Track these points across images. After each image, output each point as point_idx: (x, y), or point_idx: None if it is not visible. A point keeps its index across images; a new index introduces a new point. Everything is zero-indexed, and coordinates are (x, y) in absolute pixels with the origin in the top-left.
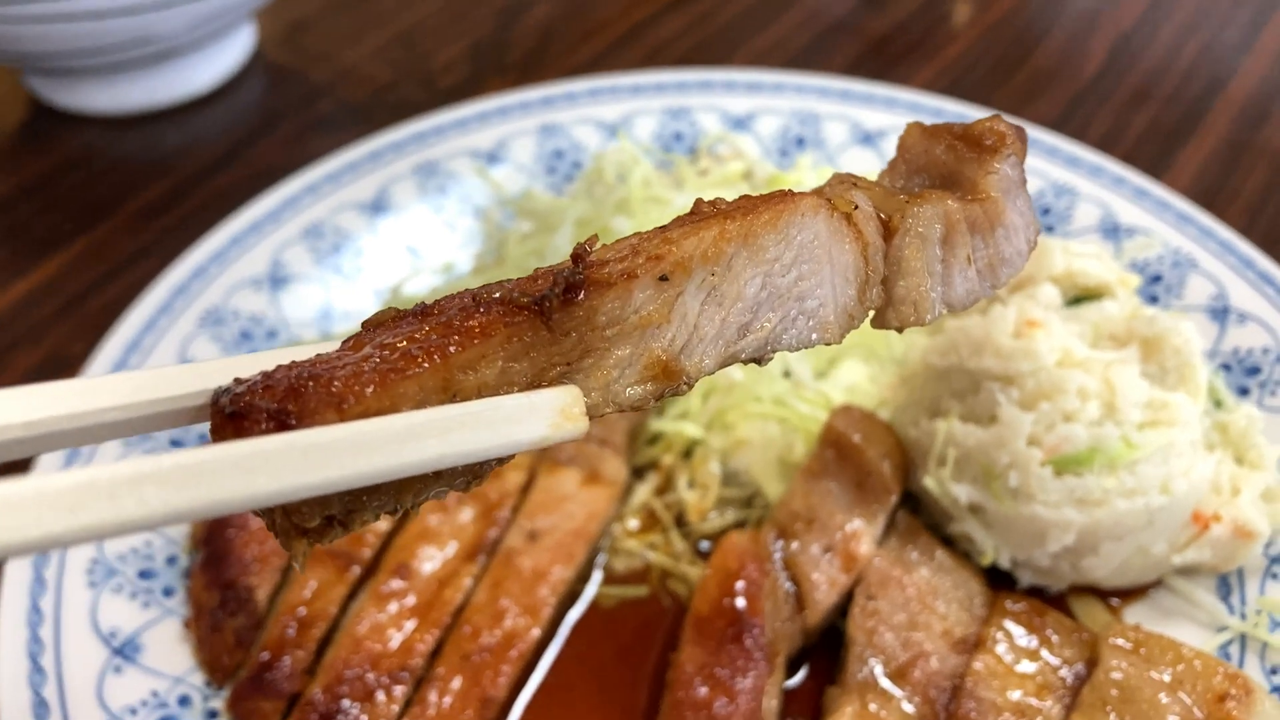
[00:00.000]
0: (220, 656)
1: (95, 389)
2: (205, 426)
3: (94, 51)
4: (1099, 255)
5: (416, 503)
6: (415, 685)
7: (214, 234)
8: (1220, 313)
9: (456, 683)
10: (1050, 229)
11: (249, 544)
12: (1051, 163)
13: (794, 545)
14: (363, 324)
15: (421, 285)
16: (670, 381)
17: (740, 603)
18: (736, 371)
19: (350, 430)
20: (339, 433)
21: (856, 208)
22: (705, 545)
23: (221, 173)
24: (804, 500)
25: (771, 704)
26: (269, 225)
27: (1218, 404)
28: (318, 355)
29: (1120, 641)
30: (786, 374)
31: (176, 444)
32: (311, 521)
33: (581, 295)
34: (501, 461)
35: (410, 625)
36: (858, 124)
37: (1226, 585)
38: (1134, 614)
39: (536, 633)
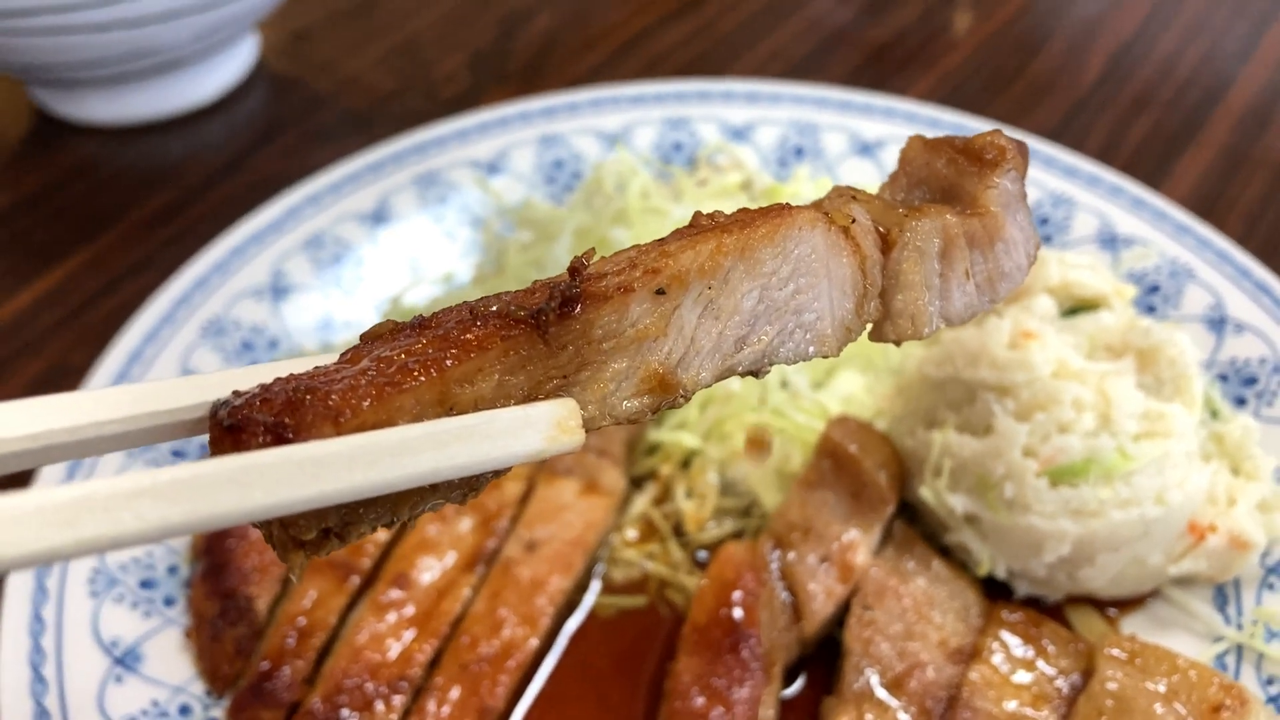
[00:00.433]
0: (220, 666)
1: (95, 402)
2: (205, 436)
3: (97, 63)
4: (1094, 266)
5: (413, 515)
6: (414, 695)
7: (216, 244)
8: (1217, 323)
9: (455, 692)
10: (1048, 239)
11: (249, 554)
12: (1049, 173)
13: (791, 555)
14: (360, 337)
15: (421, 295)
16: (667, 394)
17: (737, 613)
18: (734, 382)
19: (347, 444)
20: (335, 446)
21: (854, 221)
22: (703, 555)
23: (224, 183)
24: (801, 510)
25: (768, 714)
26: (270, 235)
27: (1214, 414)
28: (315, 368)
29: (1116, 652)
30: (784, 384)
31: (178, 454)
32: (308, 534)
33: (578, 309)
34: (498, 474)
35: (409, 635)
36: (856, 134)
37: (1223, 596)
38: (1131, 624)
39: (535, 642)
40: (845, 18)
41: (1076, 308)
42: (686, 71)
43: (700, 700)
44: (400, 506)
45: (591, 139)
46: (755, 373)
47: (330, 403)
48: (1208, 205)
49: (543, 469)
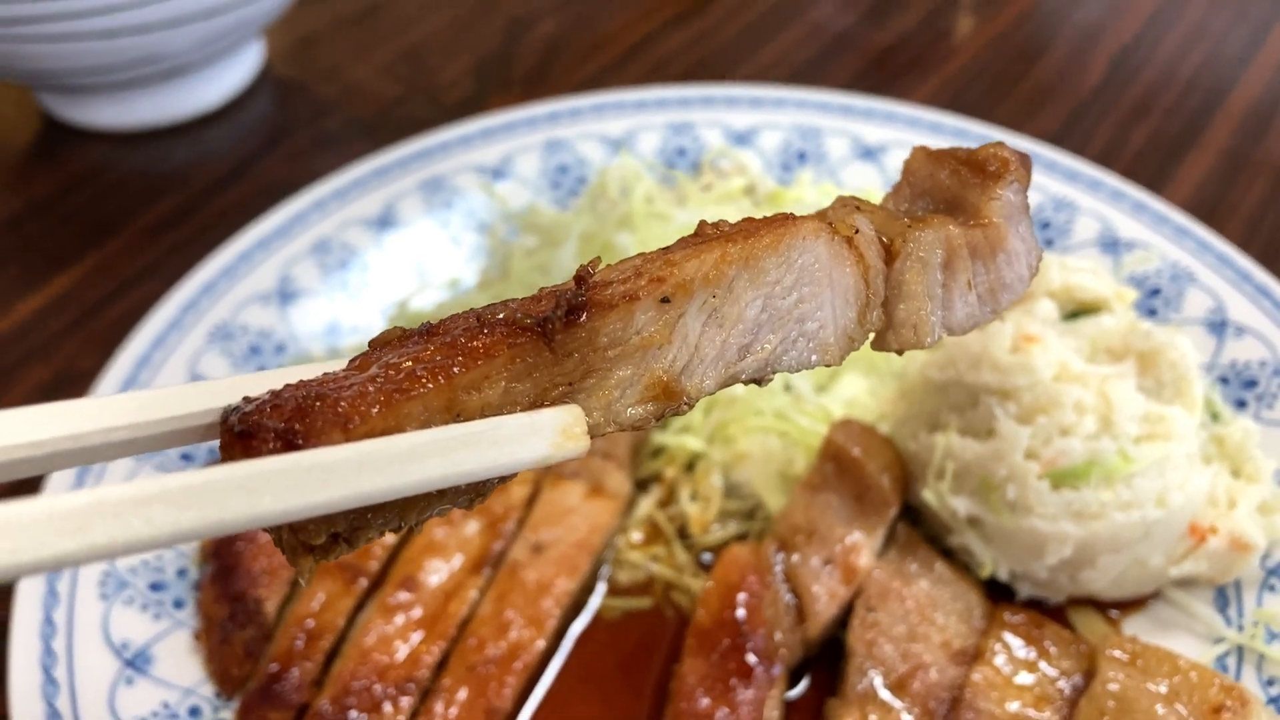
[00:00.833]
0: (230, 668)
1: (104, 408)
2: (214, 440)
3: (104, 69)
4: (1095, 270)
5: (421, 520)
6: (421, 697)
7: (223, 250)
8: (1218, 326)
9: (462, 694)
10: (1049, 243)
11: (258, 557)
12: (1051, 177)
13: (795, 558)
14: (369, 343)
15: (427, 300)
16: (671, 402)
17: (741, 615)
18: (738, 387)
19: (355, 450)
20: (344, 452)
21: (858, 231)
22: (707, 557)
23: (230, 188)
24: (804, 513)
25: (773, 715)
26: (277, 241)
27: (1215, 417)
28: (325, 375)
29: (1117, 653)
30: (787, 388)
31: (187, 458)
32: (317, 539)
33: (584, 316)
34: (504, 480)
35: (416, 637)
36: (859, 139)
37: (1224, 597)
38: (1132, 625)
39: (541, 644)
40: (847, 23)
41: (1078, 311)
42: (690, 77)
43: (705, 702)
44: (408, 512)
45: (596, 144)
46: (759, 380)
47: (339, 409)
48: (1209, 209)
49: (549, 472)
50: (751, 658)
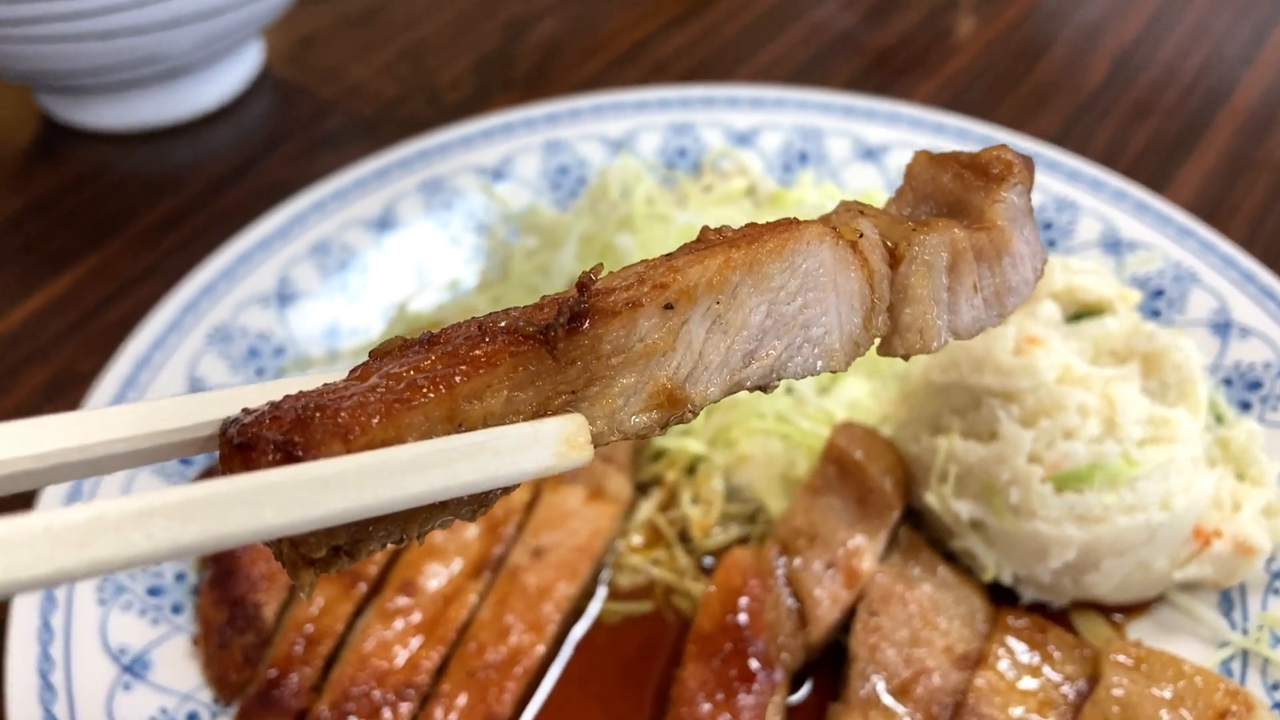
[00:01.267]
0: (228, 673)
1: (102, 420)
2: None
3: (103, 70)
4: (1098, 271)
5: (422, 532)
6: (421, 702)
7: (222, 251)
8: (1222, 327)
9: (462, 699)
10: (1052, 244)
11: (257, 561)
12: (1053, 177)
13: (797, 561)
14: (370, 353)
15: (427, 301)
16: (675, 409)
17: (743, 619)
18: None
19: (356, 462)
20: (345, 464)
21: (862, 235)
22: (709, 561)
23: (230, 189)
24: (806, 516)
25: None
26: (276, 242)
27: (1219, 419)
28: (325, 385)
29: (1121, 658)
30: (789, 390)
31: (185, 462)
32: (318, 552)
33: (587, 324)
34: (507, 490)
35: (416, 642)
36: (860, 139)
37: (1229, 601)
38: (1137, 629)
39: (541, 649)
40: (848, 23)
41: (1081, 313)
42: (690, 77)
43: (706, 707)
44: (410, 524)
45: (596, 145)
46: (763, 387)
47: (340, 420)
48: (1212, 209)
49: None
50: (753, 662)
